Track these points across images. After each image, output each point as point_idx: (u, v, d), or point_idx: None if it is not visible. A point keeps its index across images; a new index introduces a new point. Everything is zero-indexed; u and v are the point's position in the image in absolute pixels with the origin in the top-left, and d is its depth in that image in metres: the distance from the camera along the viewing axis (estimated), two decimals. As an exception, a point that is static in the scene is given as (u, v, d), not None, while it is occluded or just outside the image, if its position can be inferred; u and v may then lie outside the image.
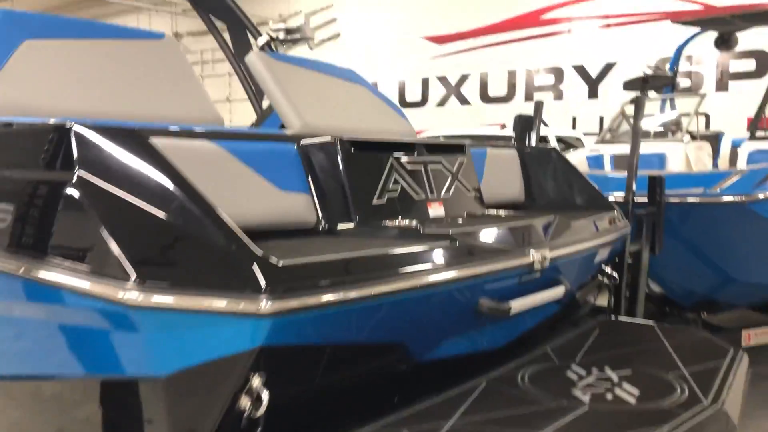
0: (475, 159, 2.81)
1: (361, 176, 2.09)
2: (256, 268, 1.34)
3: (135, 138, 1.49)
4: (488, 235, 2.05)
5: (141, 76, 2.46)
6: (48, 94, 2.12)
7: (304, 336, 1.45)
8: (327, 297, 1.42)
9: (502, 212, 2.49)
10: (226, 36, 4.44)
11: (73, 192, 1.44)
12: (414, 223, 2.06)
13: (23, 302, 1.60)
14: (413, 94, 13.14)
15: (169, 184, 1.42)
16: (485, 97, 12.28)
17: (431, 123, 12.33)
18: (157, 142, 1.57)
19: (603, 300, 3.27)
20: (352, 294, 1.46)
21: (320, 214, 2.05)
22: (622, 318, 3.04)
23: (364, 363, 1.70)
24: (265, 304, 1.32)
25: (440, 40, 12.65)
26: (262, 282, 1.33)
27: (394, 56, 13.17)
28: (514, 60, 11.82)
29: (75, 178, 1.45)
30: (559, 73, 11.51)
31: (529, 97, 11.79)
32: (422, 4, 12.80)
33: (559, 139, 8.41)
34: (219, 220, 1.39)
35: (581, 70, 11.33)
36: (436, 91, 12.83)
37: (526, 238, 2.16)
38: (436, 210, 2.30)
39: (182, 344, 1.37)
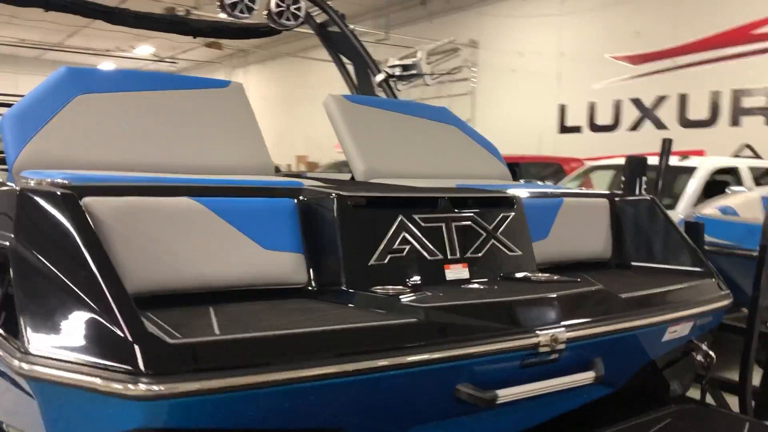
0: (545, 210, 2.56)
1: (359, 235, 1.99)
2: (137, 347, 1.33)
3: (65, 201, 1.54)
4: (487, 308, 1.84)
5: (194, 126, 2.58)
6: (90, 147, 2.30)
7: (199, 419, 1.40)
8: (218, 382, 1.37)
9: (546, 276, 2.22)
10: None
11: (10, 253, 1.55)
12: (406, 289, 1.91)
13: None
14: (604, 117, 12.38)
15: (77, 252, 1.45)
16: (684, 121, 11.19)
17: (622, 149, 11.53)
18: (94, 203, 1.64)
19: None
20: (248, 380, 1.39)
21: (311, 275, 1.99)
22: (710, 408, 2.55)
23: None
24: (142, 386, 1.30)
25: (633, 60, 11.79)
26: (141, 362, 1.32)
27: (582, 77, 12.54)
28: (718, 80, 10.63)
29: (14, 240, 1.56)
30: (773, 94, 10.14)
31: (735, 122, 10.52)
32: (610, 22, 12.06)
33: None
34: (115, 292, 1.40)
35: (801, 91, 9.88)
36: (629, 114, 11.96)
37: (541, 313, 1.91)
38: (456, 272, 2.12)
39: (73, 418, 1.41)
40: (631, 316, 2.06)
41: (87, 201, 1.68)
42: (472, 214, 2.22)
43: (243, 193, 1.99)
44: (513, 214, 2.32)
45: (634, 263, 2.72)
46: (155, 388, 1.31)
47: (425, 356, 1.64)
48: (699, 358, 2.45)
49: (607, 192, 2.91)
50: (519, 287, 2.08)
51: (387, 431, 1.72)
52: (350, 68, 4.52)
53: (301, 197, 2.04)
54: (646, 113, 11.71)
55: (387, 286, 1.93)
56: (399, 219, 2.05)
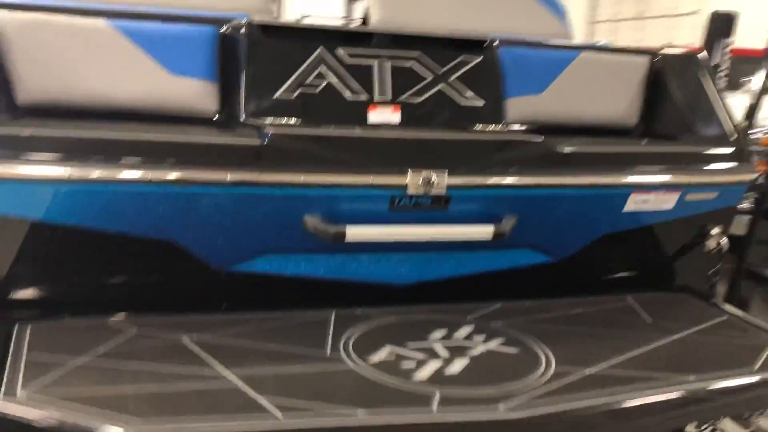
0: (545, 62, 2.22)
1: (268, 65, 1.89)
2: None
3: None
4: (354, 142, 1.69)
5: None
6: None
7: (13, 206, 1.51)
8: (21, 170, 1.46)
9: (493, 128, 1.95)
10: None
11: None
12: (300, 123, 1.79)
13: None
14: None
15: None
16: None
17: None
18: (2, 15, 1.75)
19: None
20: (52, 173, 1.47)
21: (221, 105, 1.95)
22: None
23: (114, 251, 1.65)
24: None
25: None
26: None
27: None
28: None
29: None
30: None
31: None
32: None
33: None
34: None
35: None
36: None
37: (423, 155, 1.70)
38: (382, 115, 1.95)
39: None
40: (558, 173, 1.75)
41: None
42: (417, 54, 1.99)
43: (165, 19, 1.98)
44: (478, 60, 2.05)
45: (664, 133, 2.27)
46: None
47: (255, 177, 1.57)
48: (709, 244, 2.02)
49: (649, 48, 2.40)
50: (434, 133, 1.86)
51: (228, 252, 1.70)
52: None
53: (223, 26, 1.99)
54: None
55: (283, 119, 1.84)
56: (318, 52, 1.92)
